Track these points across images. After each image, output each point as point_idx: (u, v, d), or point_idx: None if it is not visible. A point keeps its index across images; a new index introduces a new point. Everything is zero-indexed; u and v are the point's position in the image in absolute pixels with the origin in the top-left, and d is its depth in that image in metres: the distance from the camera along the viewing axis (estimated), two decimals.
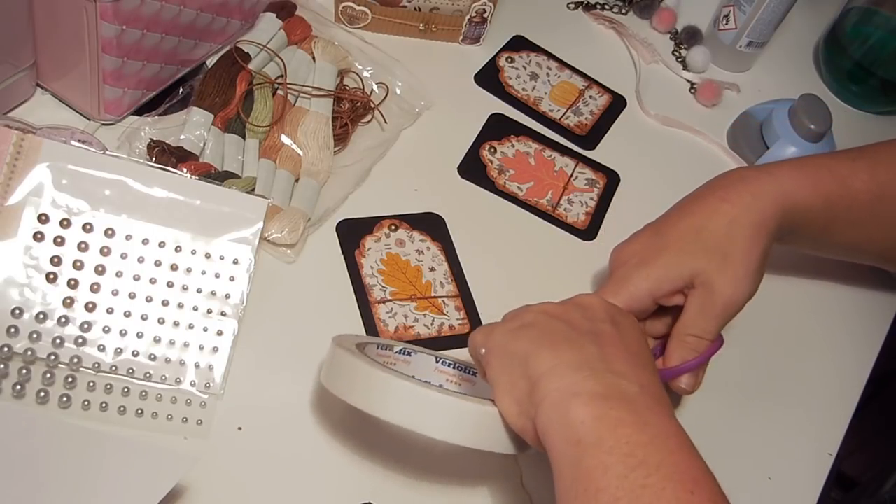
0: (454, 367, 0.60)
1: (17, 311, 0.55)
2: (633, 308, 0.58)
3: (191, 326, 0.58)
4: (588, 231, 0.74)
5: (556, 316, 0.51)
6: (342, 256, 0.66)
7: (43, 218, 0.57)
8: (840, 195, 0.60)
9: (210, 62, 0.71)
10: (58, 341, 0.55)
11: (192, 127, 0.65)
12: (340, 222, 0.68)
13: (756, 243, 0.58)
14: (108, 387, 0.56)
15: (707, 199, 0.59)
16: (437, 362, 0.59)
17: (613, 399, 0.46)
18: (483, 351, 0.52)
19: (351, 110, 0.72)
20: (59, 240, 0.57)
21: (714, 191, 0.60)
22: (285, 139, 0.68)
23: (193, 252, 0.59)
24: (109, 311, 0.57)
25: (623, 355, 0.49)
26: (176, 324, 0.58)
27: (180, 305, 0.58)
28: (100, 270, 0.57)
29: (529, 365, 0.48)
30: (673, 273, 0.57)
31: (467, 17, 0.80)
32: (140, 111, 0.68)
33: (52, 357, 0.55)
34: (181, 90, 0.69)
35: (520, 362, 0.49)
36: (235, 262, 0.60)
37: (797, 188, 0.59)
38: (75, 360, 0.55)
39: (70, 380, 0.55)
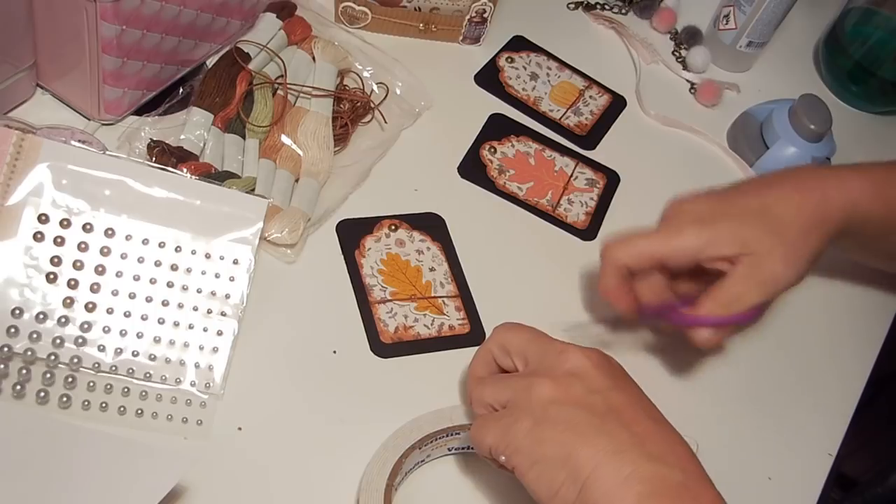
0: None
1: (17, 311, 0.55)
2: (672, 259, 0.59)
3: (191, 326, 0.58)
4: (588, 231, 0.74)
5: (568, 402, 0.50)
6: (342, 256, 0.66)
7: (43, 218, 0.57)
8: None
9: (210, 62, 0.71)
10: (58, 341, 0.55)
11: (192, 127, 0.65)
12: (340, 222, 0.68)
13: (813, 236, 0.60)
14: (108, 387, 0.56)
15: (780, 186, 0.61)
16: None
17: (664, 497, 0.46)
18: (503, 457, 0.50)
19: (351, 110, 0.72)
20: (59, 240, 0.57)
21: (787, 180, 0.62)
22: (285, 139, 0.68)
23: (193, 252, 0.59)
24: (109, 311, 0.57)
25: (649, 428, 0.49)
26: (176, 324, 0.58)
27: (180, 305, 0.58)
28: (100, 270, 0.57)
29: (573, 466, 0.47)
30: (727, 237, 0.59)
31: (467, 17, 0.80)
32: (140, 111, 0.68)
33: (52, 357, 0.55)
34: (181, 90, 0.69)
35: (560, 465, 0.48)
36: (235, 262, 0.60)
37: (864, 196, 0.61)
38: (75, 360, 0.55)
39: (70, 380, 0.55)
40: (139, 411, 0.55)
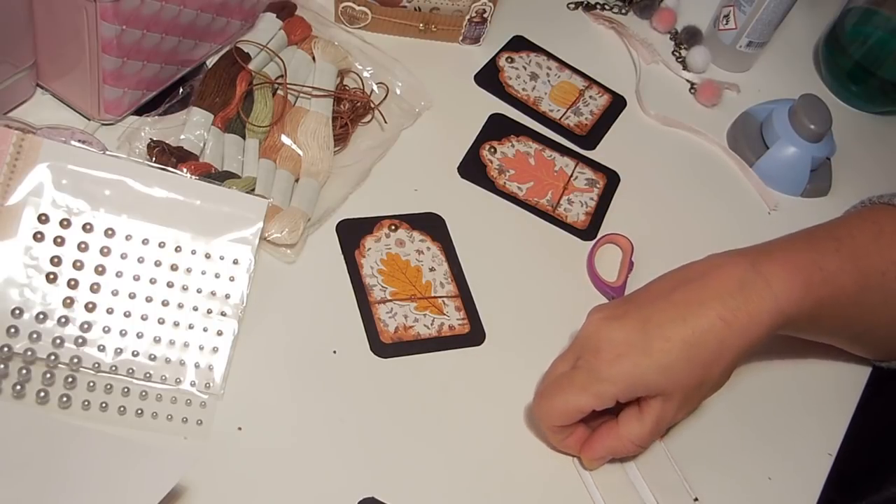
0: None
1: (17, 311, 0.55)
2: (598, 407, 0.56)
3: (191, 326, 0.58)
4: (588, 231, 0.74)
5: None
6: (342, 256, 0.66)
7: (43, 218, 0.57)
8: (830, 294, 0.59)
9: (210, 62, 0.71)
10: (58, 341, 0.55)
11: (192, 127, 0.65)
12: (340, 222, 0.68)
13: (733, 368, 0.58)
14: (108, 387, 0.56)
15: (703, 311, 0.56)
16: None
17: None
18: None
19: (351, 110, 0.72)
20: (59, 240, 0.57)
21: (711, 302, 0.56)
22: (285, 139, 0.68)
23: (193, 252, 0.59)
24: (109, 311, 0.57)
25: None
26: (176, 324, 0.58)
27: (180, 305, 0.58)
28: (100, 270, 0.57)
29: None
30: (650, 382, 0.56)
31: (467, 17, 0.80)
32: (140, 111, 0.68)
33: (52, 357, 0.55)
34: (181, 90, 0.69)
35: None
36: (235, 262, 0.60)
37: (792, 300, 0.57)
38: (75, 360, 0.55)
39: (70, 380, 0.55)
40: (139, 411, 0.55)
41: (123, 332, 0.57)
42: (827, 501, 0.64)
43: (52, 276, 0.56)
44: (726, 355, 0.56)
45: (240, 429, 0.57)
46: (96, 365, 0.56)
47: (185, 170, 0.61)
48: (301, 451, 0.57)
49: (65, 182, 0.57)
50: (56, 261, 0.56)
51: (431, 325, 0.65)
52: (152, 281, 0.58)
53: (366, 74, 0.76)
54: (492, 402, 0.62)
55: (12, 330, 0.54)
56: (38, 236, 0.56)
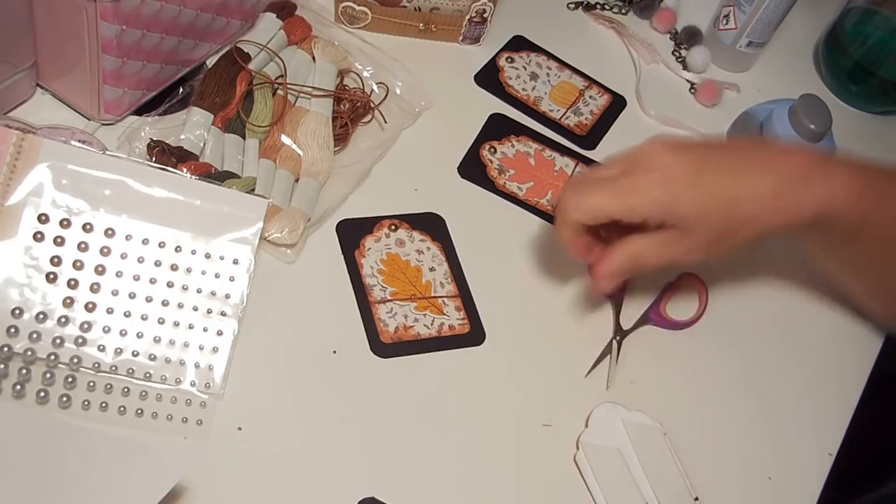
0: None
1: (17, 311, 0.55)
2: (626, 219, 0.58)
3: (191, 326, 0.58)
4: None
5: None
6: (342, 256, 0.66)
7: (43, 218, 0.57)
8: (877, 209, 0.60)
9: (210, 62, 0.71)
10: (58, 341, 0.55)
11: (192, 127, 0.65)
12: (340, 222, 0.68)
13: (756, 241, 0.59)
14: (108, 387, 0.56)
15: (761, 177, 0.59)
16: None
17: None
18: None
19: (351, 110, 0.72)
20: (59, 240, 0.57)
21: (773, 174, 0.59)
22: (285, 139, 0.68)
23: (193, 252, 0.59)
24: (109, 311, 0.57)
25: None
26: (176, 324, 0.58)
27: (180, 305, 0.58)
28: (100, 270, 0.57)
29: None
30: (682, 214, 0.57)
31: (467, 17, 0.80)
32: (140, 111, 0.68)
33: (52, 357, 0.55)
34: (181, 90, 0.69)
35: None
36: (235, 262, 0.60)
37: (841, 198, 0.59)
38: (75, 360, 0.55)
39: (70, 380, 0.55)
40: (139, 411, 0.55)
41: (123, 331, 0.57)
42: (827, 500, 0.64)
43: (52, 276, 0.56)
44: (757, 226, 0.59)
45: (240, 429, 0.57)
46: (96, 365, 0.56)
47: (185, 170, 0.61)
48: (301, 451, 0.57)
49: (65, 182, 0.57)
50: (56, 261, 0.56)
51: (431, 325, 0.65)
52: (152, 281, 0.58)
53: (366, 74, 0.76)
54: (492, 402, 0.62)
55: (12, 330, 0.54)
56: (38, 236, 0.56)
